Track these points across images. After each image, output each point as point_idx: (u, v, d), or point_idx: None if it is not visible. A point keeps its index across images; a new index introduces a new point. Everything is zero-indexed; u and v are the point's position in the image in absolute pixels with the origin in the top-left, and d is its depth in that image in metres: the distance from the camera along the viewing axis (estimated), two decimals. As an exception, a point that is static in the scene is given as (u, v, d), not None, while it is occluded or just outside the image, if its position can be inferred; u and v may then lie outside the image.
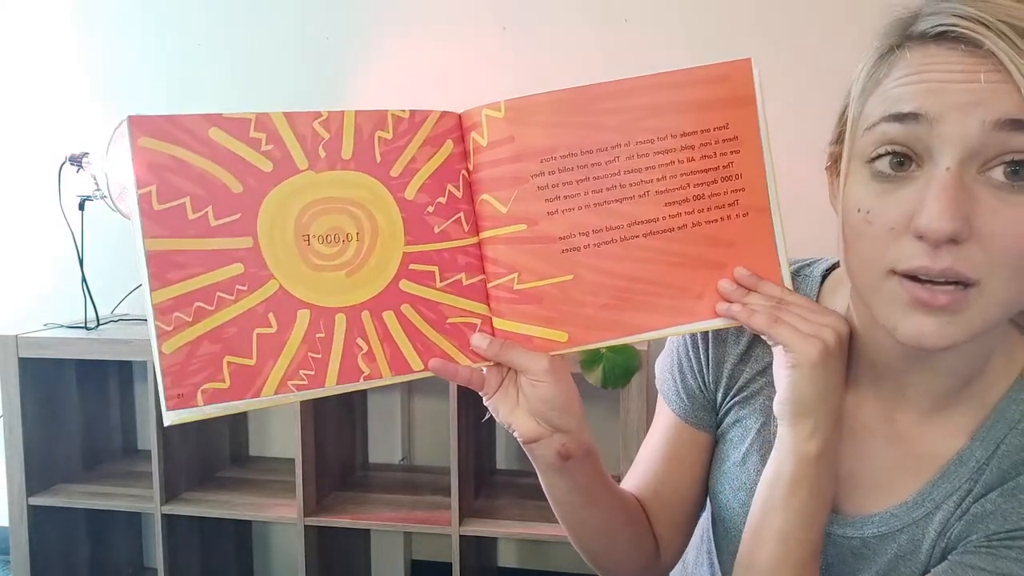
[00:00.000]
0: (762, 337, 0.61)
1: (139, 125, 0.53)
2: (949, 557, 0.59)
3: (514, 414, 0.61)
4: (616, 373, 1.46)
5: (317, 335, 0.56)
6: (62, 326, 1.78)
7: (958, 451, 0.60)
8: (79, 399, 1.87)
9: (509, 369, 0.62)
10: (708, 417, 0.73)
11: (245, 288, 0.55)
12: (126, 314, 1.89)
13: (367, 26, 1.92)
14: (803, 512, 0.59)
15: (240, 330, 0.55)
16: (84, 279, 1.72)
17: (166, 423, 0.53)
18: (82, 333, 1.71)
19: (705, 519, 0.81)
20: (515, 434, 0.62)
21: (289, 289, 0.56)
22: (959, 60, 0.48)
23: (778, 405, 0.60)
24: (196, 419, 0.54)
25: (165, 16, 2.00)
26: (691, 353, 0.73)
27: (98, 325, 1.76)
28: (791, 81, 1.73)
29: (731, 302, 0.60)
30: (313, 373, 0.56)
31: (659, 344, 0.79)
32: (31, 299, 2.08)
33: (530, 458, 0.65)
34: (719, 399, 0.72)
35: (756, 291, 0.60)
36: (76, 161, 1.67)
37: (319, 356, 0.56)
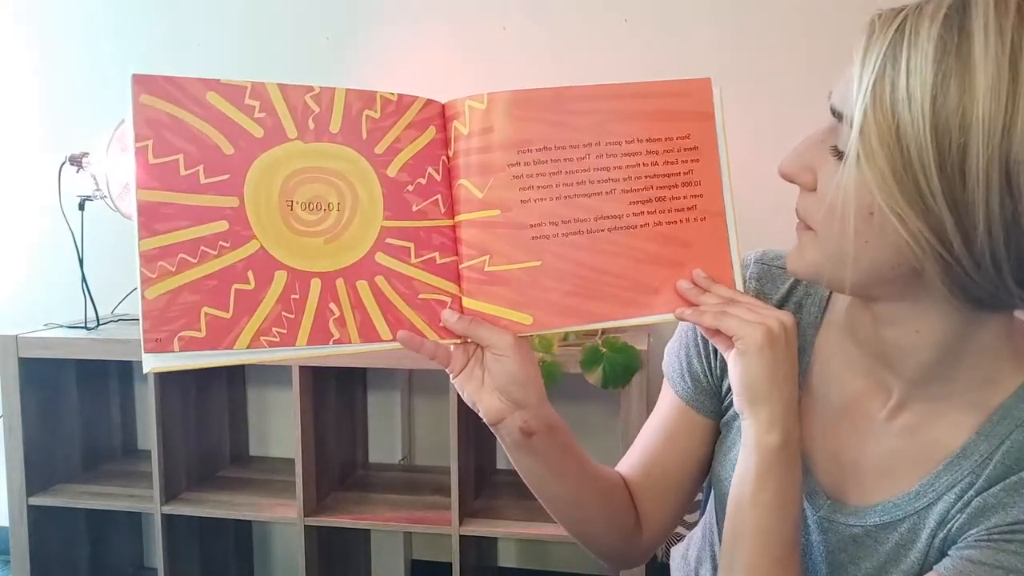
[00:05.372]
0: (712, 342, 0.65)
1: (142, 83, 0.57)
2: (950, 552, 0.60)
3: (479, 392, 0.64)
4: (616, 373, 1.46)
5: (292, 296, 0.59)
6: (62, 326, 1.78)
7: (962, 444, 0.61)
8: (79, 399, 1.87)
9: (476, 349, 0.64)
10: (710, 403, 0.74)
11: (228, 245, 0.58)
12: (126, 314, 1.89)
13: (367, 26, 1.92)
14: (774, 506, 0.61)
15: (219, 284, 0.57)
16: (84, 279, 1.72)
17: (145, 370, 0.56)
18: (82, 333, 1.71)
19: (708, 513, 0.81)
20: (480, 413, 0.65)
21: (269, 250, 0.59)
22: (858, 47, 0.52)
23: (736, 398, 0.62)
24: (174, 368, 0.56)
25: (164, 16, 2.00)
26: (700, 339, 0.74)
27: (98, 325, 1.76)
28: (792, 80, 1.73)
29: (687, 300, 0.64)
30: (285, 331, 0.59)
31: (660, 343, 0.79)
32: (31, 299, 2.08)
33: (497, 437, 0.67)
34: (724, 387, 0.73)
35: (710, 292, 0.63)
36: (76, 161, 1.67)
37: (292, 316, 0.59)
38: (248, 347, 0.57)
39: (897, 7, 0.52)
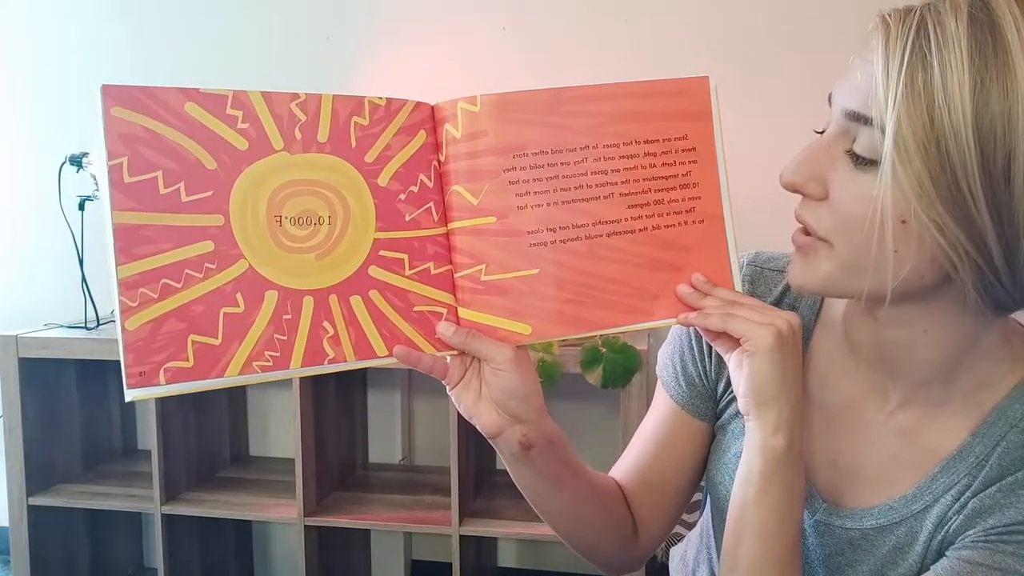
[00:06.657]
0: (712, 345, 0.63)
1: (112, 94, 0.52)
2: (947, 553, 0.59)
3: (477, 406, 0.62)
4: (616, 373, 1.46)
5: (284, 316, 0.56)
6: (62, 326, 1.78)
7: (958, 446, 0.61)
8: (79, 399, 1.88)
9: (473, 360, 0.62)
10: (706, 407, 0.74)
11: (214, 266, 0.54)
12: (126, 314, 1.88)
13: (367, 26, 1.92)
14: (778, 508, 0.60)
15: (207, 309, 0.54)
16: (84, 279, 1.72)
17: (127, 399, 0.53)
18: (82, 333, 1.71)
19: (705, 518, 0.81)
20: (478, 426, 0.63)
21: (258, 269, 0.55)
22: (876, 48, 0.51)
23: (742, 400, 0.61)
24: (158, 396, 0.53)
25: (165, 16, 2.00)
26: (694, 343, 0.74)
27: (98, 325, 1.76)
28: (793, 79, 1.73)
29: (689, 305, 0.62)
30: (278, 355, 0.56)
31: (659, 343, 0.79)
32: (31, 299, 2.08)
33: (495, 449, 0.66)
34: (720, 390, 0.73)
35: (711, 295, 0.62)
36: (76, 161, 1.67)
37: (285, 338, 0.56)
38: (239, 373, 0.54)
39: (905, 6, 0.50)
